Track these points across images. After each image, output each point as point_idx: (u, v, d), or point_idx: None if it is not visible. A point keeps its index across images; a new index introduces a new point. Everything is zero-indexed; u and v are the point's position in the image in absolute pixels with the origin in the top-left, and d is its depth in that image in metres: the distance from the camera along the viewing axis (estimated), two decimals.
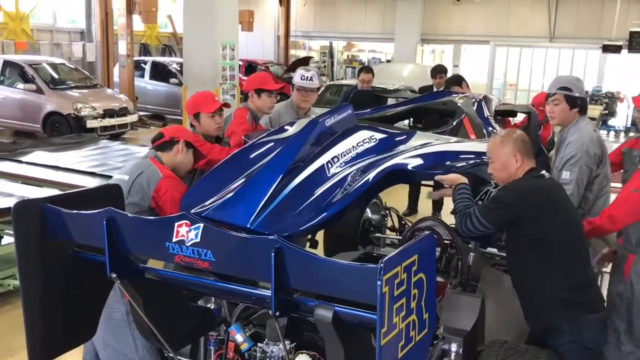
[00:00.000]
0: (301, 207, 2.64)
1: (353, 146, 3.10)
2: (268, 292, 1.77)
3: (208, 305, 2.67)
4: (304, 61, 17.78)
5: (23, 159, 5.91)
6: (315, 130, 3.01)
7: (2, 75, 12.06)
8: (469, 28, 20.45)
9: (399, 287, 1.66)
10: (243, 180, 2.87)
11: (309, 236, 4.67)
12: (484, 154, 3.30)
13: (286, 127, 3.50)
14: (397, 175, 3.03)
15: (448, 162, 3.25)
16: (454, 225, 4.57)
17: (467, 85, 6.59)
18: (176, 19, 19.78)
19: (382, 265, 1.56)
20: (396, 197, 7.97)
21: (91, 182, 5.27)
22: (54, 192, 5.43)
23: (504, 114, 5.16)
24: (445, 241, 4.18)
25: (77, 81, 12.63)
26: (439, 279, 4.03)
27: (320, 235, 5.12)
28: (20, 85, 11.74)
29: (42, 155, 6.16)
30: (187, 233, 1.82)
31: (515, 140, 2.97)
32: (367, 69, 7.59)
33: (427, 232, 1.89)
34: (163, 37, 20.84)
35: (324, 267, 1.66)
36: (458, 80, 6.66)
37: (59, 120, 11.28)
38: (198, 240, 1.81)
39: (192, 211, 2.72)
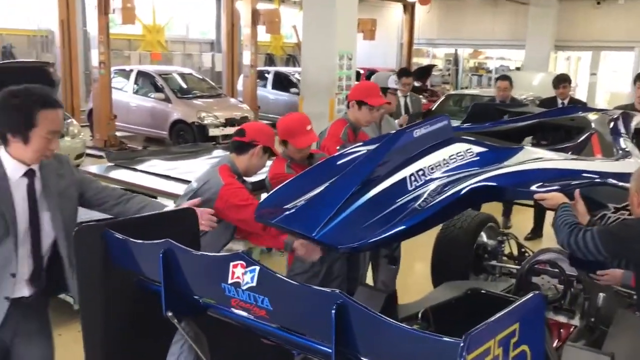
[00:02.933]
0: (372, 219, 2.51)
1: (444, 159, 2.86)
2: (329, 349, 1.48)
3: None
4: (427, 69, 17.34)
5: (138, 167, 6.07)
6: (401, 141, 2.82)
7: (136, 85, 12.80)
8: (610, 32, 18.79)
9: None
10: (318, 189, 2.78)
11: (386, 252, 4.26)
12: (604, 174, 3.00)
13: (376, 140, 3.31)
14: (488, 191, 2.75)
15: (552, 182, 2.86)
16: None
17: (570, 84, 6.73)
18: (301, 29, 20.08)
19: (465, 342, 1.21)
20: (519, 218, 7.36)
21: None
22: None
23: None
24: (570, 277, 3.69)
25: (203, 90, 13.12)
26: (561, 319, 3.57)
27: (426, 257, 4.75)
28: (151, 94, 12.37)
29: (157, 164, 6.32)
30: (242, 275, 1.59)
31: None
32: (503, 76, 7.49)
33: (534, 293, 1.49)
34: (288, 47, 21.28)
35: (394, 333, 1.34)
36: (562, 79, 6.82)
37: (183, 128, 11.74)
38: (254, 284, 1.58)
39: (263, 217, 2.74)
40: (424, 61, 22.44)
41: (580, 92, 19.38)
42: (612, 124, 3.91)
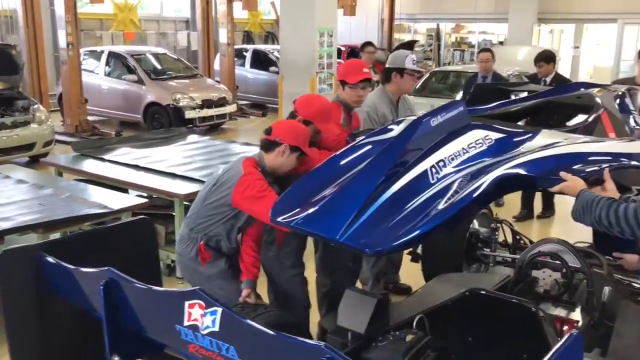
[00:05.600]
0: (398, 218, 2.39)
1: (463, 148, 2.76)
2: None
3: None
4: (409, 45, 16.94)
5: (106, 156, 5.67)
6: (419, 131, 2.70)
7: (108, 66, 12.26)
8: (593, 5, 18.52)
9: None
10: (337, 187, 2.68)
11: (409, 250, 4.12)
12: (623, 155, 2.92)
13: (391, 127, 3.18)
14: (513, 181, 2.67)
15: (577, 166, 2.75)
16: (586, 246, 3.81)
17: (548, 63, 6.63)
18: (279, 5, 19.53)
19: None
20: (507, 199, 7.11)
21: (169, 184, 4.91)
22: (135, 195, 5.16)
23: None
24: (573, 270, 3.46)
25: (178, 71, 12.65)
26: (562, 314, 3.36)
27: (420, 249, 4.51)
28: (124, 76, 11.85)
29: (127, 152, 5.92)
30: (201, 317, 1.26)
31: None
32: (485, 49, 7.60)
33: (571, 334, 1.18)
34: (266, 24, 20.71)
35: None
36: (537, 58, 6.69)
37: (158, 111, 11.28)
38: (216, 329, 1.23)
39: (280, 219, 2.59)
40: (406, 37, 22.02)
41: (563, 65, 19.16)
42: (618, 101, 3.76)
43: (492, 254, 4.48)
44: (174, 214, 4.84)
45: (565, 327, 3.26)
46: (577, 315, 3.33)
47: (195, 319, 1.28)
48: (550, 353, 1.15)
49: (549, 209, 6.85)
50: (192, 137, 6.77)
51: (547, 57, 6.74)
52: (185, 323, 1.29)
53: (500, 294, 3.13)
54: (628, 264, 3.25)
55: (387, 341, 2.57)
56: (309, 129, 3.35)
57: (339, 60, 11.19)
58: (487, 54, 7.06)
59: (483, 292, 3.04)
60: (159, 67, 12.57)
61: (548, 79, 6.62)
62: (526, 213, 6.80)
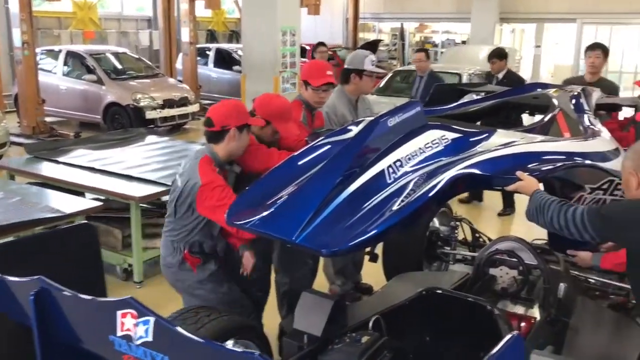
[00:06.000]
0: (354, 218, 2.39)
1: (420, 148, 2.77)
2: None
3: None
4: (373, 44, 16.99)
5: (61, 158, 5.51)
6: (376, 132, 2.70)
7: (66, 66, 11.97)
8: (553, 4, 18.86)
9: None
10: (294, 187, 2.68)
11: (368, 249, 4.12)
12: (577, 154, 2.97)
13: (350, 127, 3.19)
14: (469, 181, 2.69)
15: (531, 165, 2.78)
16: (544, 243, 3.85)
17: (500, 60, 6.90)
18: (242, 4, 19.38)
19: None
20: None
21: (125, 186, 4.80)
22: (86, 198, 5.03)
23: (608, 108, 4.45)
24: (530, 267, 3.51)
25: (140, 71, 12.42)
26: (520, 311, 3.40)
27: (380, 247, 4.51)
28: (83, 76, 11.57)
29: (83, 154, 5.76)
30: (134, 327, 1.21)
31: (638, 155, 2.28)
32: (419, 49, 8.05)
33: (512, 335, 1.16)
34: (230, 22, 20.53)
35: None
36: (490, 54, 7.01)
37: (118, 112, 11.05)
38: (150, 339, 1.18)
39: (236, 222, 2.57)
40: (371, 36, 22.08)
41: (525, 64, 19.49)
42: (574, 101, 3.81)
43: (452, 252, 4.52)
44: (130, 217, 4.73)
45: (523, 324, 3.29)
46: (535, 312, 3.37)
47: (129, 329, 1.22)
48: (489, 355, 1.13)
49: (509, 206, 6.96)
50: (151, 138, 6.64)
51: (499, 54, 6.99)
52: (119, 333, 1.24)
53: (456, 292, 3.14)
54: (581, 261, 3.29)
55: (343, 343, 2.55)
56: (268, 128, 3.32)
57: (304, 59, 11.15)
58: (420, 54, 7.34)
59: (439, 292, 3.04)
60: (119, 66, 12.32)
61: (500, 75, 6.84)
62: (474, 196, 7.15)
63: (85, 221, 1.98)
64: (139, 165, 5.34)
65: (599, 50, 5.50)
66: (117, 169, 5.20)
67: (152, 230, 4.99)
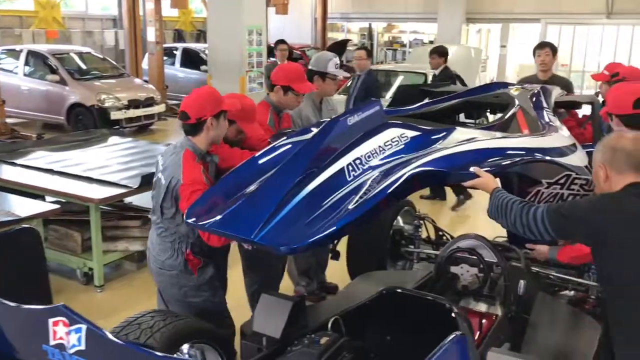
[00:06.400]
0: (313, 215, 2.42)
1: (380, 146, 2.81)
2: None
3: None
4: (342, 44, 17.02)
5: (18, 161, 5.37)
6: (336, 131, 2.73)
7: (27, 66, 11.71)
8: (518, 5, 19.17)
9: None
10: (254, 187, 2.69)
11: (330, 246, 4.10)
12: (535, 150, 3.01)
13: (312, 128, 3.20)
14: (428, 177, 2.75)
15: (489, 161, 2.85)
16: (504, 240, 3.89)
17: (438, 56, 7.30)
18: (208, 3, 19.21)
19: None
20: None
21: (85, 188, 4.70)
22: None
23: (566, 106, 4.54)
24: (490, 265, 3.53)
25: (104, 71, 12.21)
26: (482, 308, 3.42)
27: (344, 246, 4.49)
28: (45, 76, 11.34)
29: (43, 156, 5.63)
30: (66, 335, 1.16)
31: (608, 148, 2.31)
32: (360, 47, 8.32)
33: (455, 335, 1.15)
34: (198, 22, 20.33)
35: None
36: (441, 51, 7.40)
37: (82, 113, 10.84)
38: (83, 347, 1.14)
39: (196, 221, 2.57)
40: (339, 36, 22.12)
41: (491, 64, 19.73)
42: (534, 99, 3.89)
43: (416, 251, 4.51)
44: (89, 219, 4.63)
45: (484, 322, 3.31)
46: (497, 309, 3.40)
47: (61, 338, 1.18)
48: (431, 354, 1.12)
49: (460, 193, 7.03)
50: (114, 139, 6.52)
51: (440, 52, 7.31)
52: (52, 342, 1.19)
53: (415, 291, 3.14)
54: (539, 254, 3.39)
55: (302, 345, 2.53)
56: (232, 127, 3.29)
57: (273, 59, 11.10)
58: (361, 52, 7.44)
59: (399, 291, 3.04)
60: (83, 66, 12.09)
61: (437, 71, 7.02)
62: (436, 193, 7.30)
63: (28, 225, 1.93)
64: (100, 167, 5.24)
65: (548, 48, 5.61)
66: (77, 170, 5.09)
67: (112, 232, 4.90)
